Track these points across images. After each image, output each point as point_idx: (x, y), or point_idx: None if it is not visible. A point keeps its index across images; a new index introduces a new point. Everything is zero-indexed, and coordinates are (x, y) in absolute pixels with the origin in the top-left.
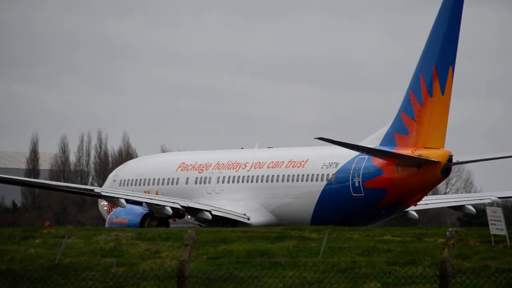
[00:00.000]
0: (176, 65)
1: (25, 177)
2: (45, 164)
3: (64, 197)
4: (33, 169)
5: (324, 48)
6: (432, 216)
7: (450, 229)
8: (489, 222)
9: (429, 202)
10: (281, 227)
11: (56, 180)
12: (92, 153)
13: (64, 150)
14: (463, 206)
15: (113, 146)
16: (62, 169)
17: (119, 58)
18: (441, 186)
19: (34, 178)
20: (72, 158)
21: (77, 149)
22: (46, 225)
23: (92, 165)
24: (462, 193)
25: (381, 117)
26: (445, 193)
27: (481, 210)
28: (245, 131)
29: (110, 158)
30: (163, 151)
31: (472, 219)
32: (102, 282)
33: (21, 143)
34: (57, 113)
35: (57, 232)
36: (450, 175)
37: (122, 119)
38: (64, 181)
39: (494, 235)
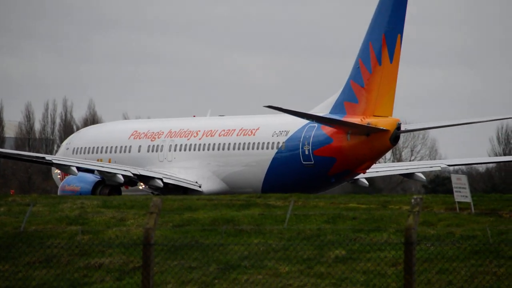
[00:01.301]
0: (137, 32)
1: None
2: (9, 132)
3: (29, 165)
4: None
5: (275, 15)
6: (396, 183)
7: (415, 196)
8: (454, 189)
9: (379, 169)
10: (246, 195)
11: (21, 148)
12: (57, 121)
13: (29, 118)
14: (413, 173)
15: (79, 114)
16: (27, 137)
17: (82, 25)
18: (407, 153)
19: None
20: (37, 126)
21: (42, 117)
22: (11, 193)
23: (57, 133)
24: (427, 160)
25: (331, 85)
26: (410, 161)
27: (445, 177)
28: (197, 99)
29: (75, 126)
30: (125, 119)
31: (437, 186)
32: (67, 250)
33: None
34: (21, 81)
35: (22, 200)
36: (414, 143)
37: (87, 87)
38: (29, 149)
39: (459, 202)
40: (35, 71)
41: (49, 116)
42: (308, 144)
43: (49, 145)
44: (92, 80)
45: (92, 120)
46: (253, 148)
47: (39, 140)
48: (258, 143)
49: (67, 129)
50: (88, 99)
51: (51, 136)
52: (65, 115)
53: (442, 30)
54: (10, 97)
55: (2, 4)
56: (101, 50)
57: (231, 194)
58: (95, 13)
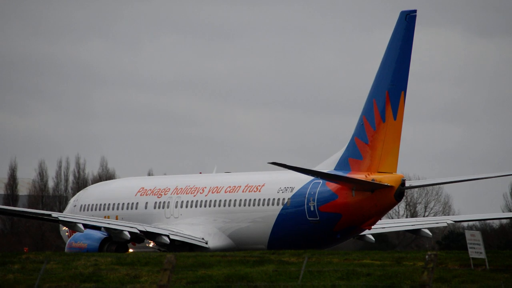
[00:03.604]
0: (141, 89)
1: (4, 203)
2: (23, 189)
3: (42, 223)
4: (11, 194)
5: (280, 72)
6: (411, 239)
7: (429, 253)
8: (468, 245)
9: (385, 225)
10: (260, 251)
11: (34, 206)
12: (70, 178)
13: (42, 175)
14: (419, 229)
15: (92, 171)
16: (40, 195)
17: (85, 83)
18: (420, 209)
19: (13, 204)
20: (51, 184)
21: (55, 174)
22: (25, 250)
23: (70, 191)
24: (441, 216)
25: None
26: (424, 216)
27: (459, 233)
28: (204, 155)
29: (88, 183)
30: (149, 175)
31: (451, 242)
32: None
33: (0, 169)
34: (34, 139)
35: (36, 258)
36: (428, 199)
37: (99, 144)
38: (43, 207)
39: (473, 258)
40: (47, 129)
41: (62, 173)
42: (314, 200)
43: (63, 203)
44: (103, 137)
45: (105, 176)
46: (259, 205)
47: (53, 197)
48: (264, 199)
49: (81, 186)
50: (100, 156)
51: (64, 193)
52: (78, 172)
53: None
54: (24, 155)
55: (7, 62)
56: (107, 107)
57: (239, 251)
58: (97, 72)
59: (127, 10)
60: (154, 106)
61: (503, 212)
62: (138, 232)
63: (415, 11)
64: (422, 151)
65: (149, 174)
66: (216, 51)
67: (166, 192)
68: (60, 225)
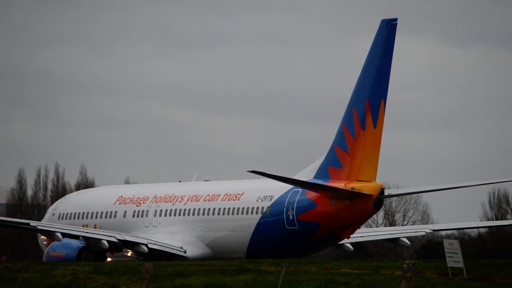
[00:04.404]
0: (120, 97)
1: None
2: (1, 198)
3: (21, 231)
4: None
5: (259, 80)
6: (389, 248)
7: (407, 262)
8: (446, 254)
9: (364, 234)
10: (238, 260)
11: (13, 215)
12: (49, 186)
13: (21, 184)
14: (397, 238)
15: (71, 179)
16: (19, 203)
17: (63, 91)
18: (399, 218)
19: None
20: (30, 192)
21: (34, 182)
22: (3, 259)
23: (49, 199)
24: (419, 225)
25: (317, 150)
26: (402, 225)
27: (437, 242)
28: (184, 163)
29: (67, 192)
30: (127, 183)
31: (429, 251)
32: None
33: None
34: (14, 147)
35: (13, 267)
36: (407, 207)
37: (78, 152)
38: (21, 215)
39: (451, 267)
40: (26, 136)
41: (41, 181)
42: (293, 209)
43: (41, 211)
44: (82, 145)
45: (84, 185)
46: (238, 213)
47: (31, 206)
48: (243, 208)
49: (60, 194)
50: (80, 164)
51: (43, 202)
52: (57, 180)
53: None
54: (3, 163)
55: None
56: (85, 115)
57: (218, 259)
58: (76, 80)
59: (105, 18)
60: (133, 114)
61: (481, 221)
62: (117, 241)
63: (395, 19)
64: (401, 160)
65: (126, 183)
66: (194, 59)
67: (145, 201)
68: (39, 234)
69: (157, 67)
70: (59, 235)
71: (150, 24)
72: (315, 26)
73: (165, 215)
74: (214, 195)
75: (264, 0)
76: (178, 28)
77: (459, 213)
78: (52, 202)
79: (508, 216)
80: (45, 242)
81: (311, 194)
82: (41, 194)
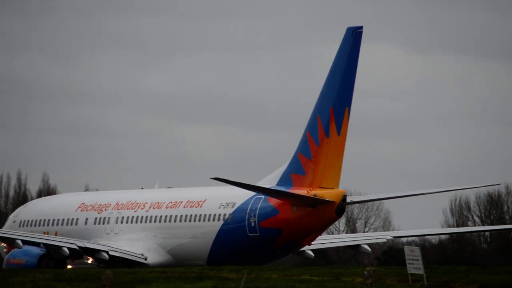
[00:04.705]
0: (80, 104)
1: None
2: None
3: None
4: None
5: (222, 86)
6: (350, 255)
7: (368, 268)
8: (407, 261)
9: (325, 241)
10: (199, 267)
11: None
12: (11, 194)
13: None
14: (359, 245)
15: (34, 186)
16: None
17: (24, 97)
18: (361, 225)
19: None
20: None
21: None
22: None
23: (10, 206)
24: (381, 231)
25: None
26: (364, 232)
27: (398, 249)
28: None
29: (29, 199)
30: (87, 190)
31: (390, 258)
32: None
33: None
34: None
35: None
36: (368, 214)
37: (40, 159)
38: None
39: (412, 274)
40: None
41: (2, 189)
42: (255, 216)
43: (2, 218)
44: (45, 152)
45: (46, 192)
46: (199, 220)
47: None
48: (205, 215)
49: (22, 202)
50: (42, 171)
51: (4, 209)
52: (19, 187)
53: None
54: None
55: None
56: (47, 122)
57: (179, 267)
58: (35, 86)
59: (64, 24)
60: (95, 121)
61: (443, 227)
62: (77, 248)
63: (361, 27)
64: (364, 167)
65: (85, 190)
66: (155, 66)
67: (107, 208)
68: None
69: (120, 74)
70: (19, 242)
71: (114, 31)
72: (280, 33)
73: (127, 222)
74: (176, 202)
75: (230, 7)
76: (142, 35)
77: (420, 220)
78: (13, 210)
79: (469, 223)
80: (5, 250)
81: (273, 201)
82: (2, 202)
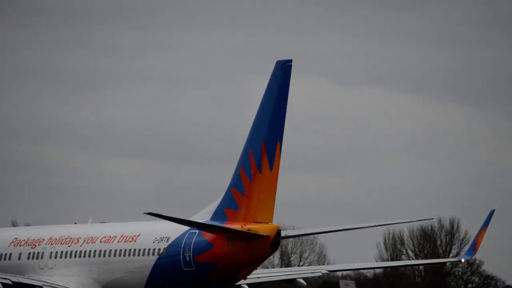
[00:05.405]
0: (6, 140)
1: None
2: None
3: None
4: None
5: (152, 121)
6: None
7: None
8: None
9: (260, 275)
10: None
11: None
12: None
13: None
14: (294, 279)
15: None
16: None
17: None
18: (295, 259)
19: None
20: None
21: None
22: None
23: None
24: (316, 265)
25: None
26: (298, 266)
27: (334, 283)
28: (78, 206)
29: None
30: (14, 225)
31: None
32: None
33: None
34: None
35: None
36: (303, 248)
37: None
38: None
39: None
40: None
41: None
42: (189, 250)
43: None
44: None
45: None
46: (134, 255)
47: None
48: (139, 249)
49: None
50: None
51: None
52: None
53: (318, 136)
54: None
55: None
56: None
57: None
58: None
59: None
60: (23, 157)
61: (377, 261)
62: (11, 283)
63: (290, 60)
64: (297, 201)
65: (12, 225)
66: (81, 101)
67: (40, 243)
68: None
69: (45, 109)
70: None
71: (36, 65)
72: (209, 66)
73: (61, 257)
74: (110, 236)
75: (155, 41)
76: (65, 69)
77: (355, 254)
78: None
79: (403, 256)
80: None
81: (208, 236)
82: None
